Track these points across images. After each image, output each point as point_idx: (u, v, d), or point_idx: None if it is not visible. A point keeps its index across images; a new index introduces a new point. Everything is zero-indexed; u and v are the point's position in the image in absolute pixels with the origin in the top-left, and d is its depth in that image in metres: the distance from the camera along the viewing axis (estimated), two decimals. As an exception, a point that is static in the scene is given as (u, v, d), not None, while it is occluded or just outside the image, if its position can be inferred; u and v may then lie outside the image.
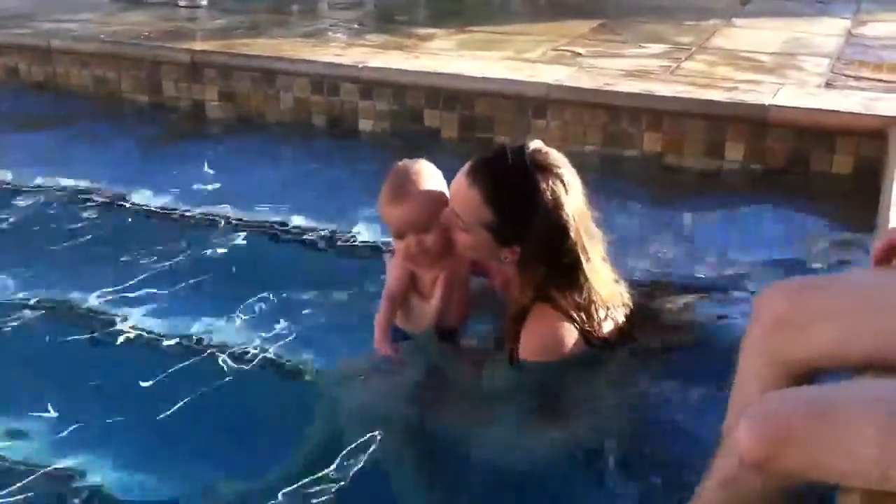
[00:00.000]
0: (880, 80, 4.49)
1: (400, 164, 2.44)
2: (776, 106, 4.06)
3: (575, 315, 2.24)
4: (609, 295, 2.32)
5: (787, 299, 1.80)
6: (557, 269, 2.23)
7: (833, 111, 4.01)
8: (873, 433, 1.44)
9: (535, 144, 2.25)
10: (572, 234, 2.21)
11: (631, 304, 2.40)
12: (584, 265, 2.24)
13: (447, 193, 2.36)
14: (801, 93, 4.28)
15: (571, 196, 2.21)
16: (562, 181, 2.19)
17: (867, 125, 3.89)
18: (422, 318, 2.49)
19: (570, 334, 2.25)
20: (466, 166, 2.27)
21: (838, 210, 3.70)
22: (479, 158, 2.27)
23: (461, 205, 2.26)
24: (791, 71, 4.70)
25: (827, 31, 5.60)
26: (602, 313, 2.28)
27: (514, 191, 2.20)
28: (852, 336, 1.69)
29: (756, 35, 5.57)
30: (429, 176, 2.40)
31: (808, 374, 1.74)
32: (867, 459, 1.44)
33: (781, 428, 1.51)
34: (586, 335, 2.26)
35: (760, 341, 1.80)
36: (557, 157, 2.24)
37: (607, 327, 2.30)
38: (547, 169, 2.20)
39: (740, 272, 3.07)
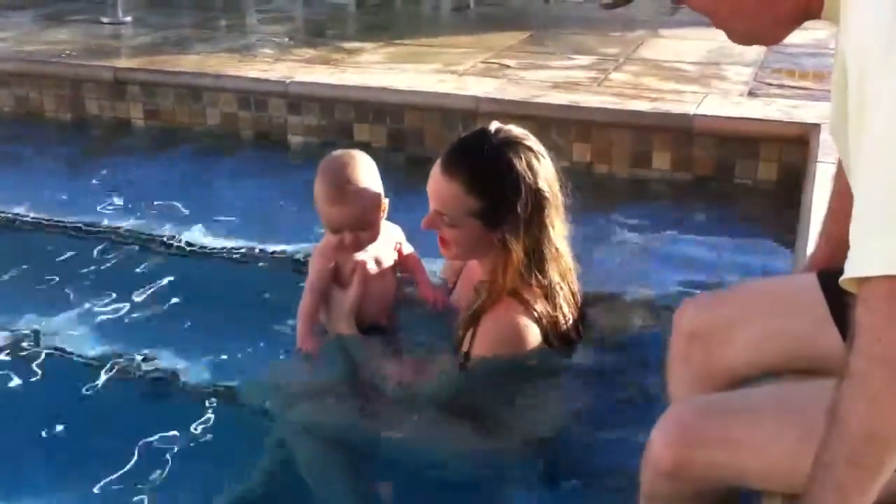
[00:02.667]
0: (802, 88, 4.58)
1: (335, 157, 2.46)
2: (700, 115, 4.12)
3: (540, 308, 2.25)
4: (568, 273, 2.34)
5: (700, 314, 1.82)
6: (531, 243, 2.24)
7: (756, 119, 4.08)
8: (789, 435, 1.44)
9: (495, 125, 2.29)
10: (549, 202, 2.24)
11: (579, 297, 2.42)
12: (553, 237, 2.27)
13: (380, 185, 2.43)
14: (724, 102, 4.35)
15: (544, 164, 2.25)
16: (531, 150, 2.24)
17: (789, 132, 3.96)
18: (340, 309, 2.49)
19: (532, 329, 2.25)
20: (438, 164, 2.29)
21: (763, 216, 3.77)
22: (448, 153, 2.29)
23: (445, 202, 2.26)
24: (715, 80, 4.77)
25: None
26: (564, 307, 2.30)
27: (491, 171, 2.22)
28: (769, 342, 1.71)
29: (681, 45, 5.66)
30: (366, 171, 2.43)
31: (735, 385, 1.76)
32: (784, 464, 1.44)
33: (691, 432, 1.51)
34: (546, 332, 2.26)
35: (681, 356, 1.82)
36: (521, 131, 2.30)
37: (564, 320, 2.31)
38: (515, 142, 2.24)
39: (667, 282, 3.10)
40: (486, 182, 2.22)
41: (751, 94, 4.50)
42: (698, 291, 2.94)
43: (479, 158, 2.24)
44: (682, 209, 3.87)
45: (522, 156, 2.22)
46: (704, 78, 4.82)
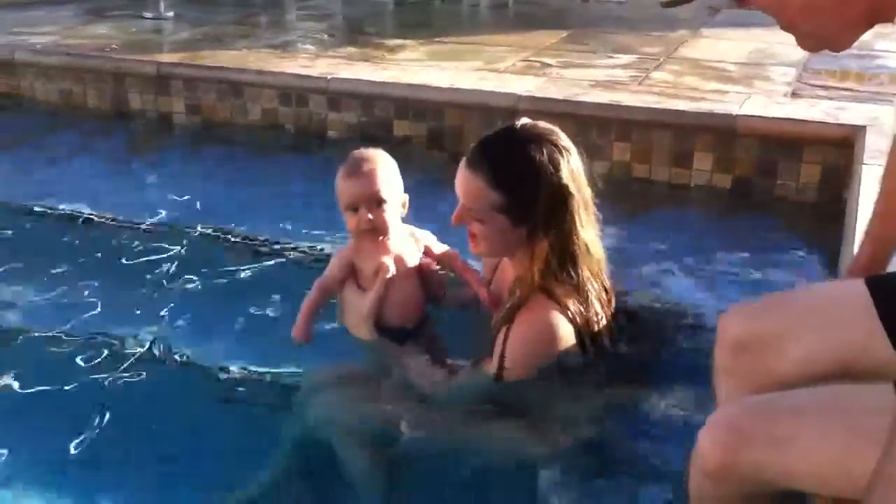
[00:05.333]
0: (846, 89, 4.53)
1: (356, 150, 2.54)
2: (744, 116, 4.08)
3: (573, 307, 2.22)
4: (599, 270, 2.32)
5: (746, 323, 1.79)
6: (558, 238, 2.22)
7: (800, 121, 4.03)
8: (837, 435, 1.43)
9: (523, 120, 2.29)
10: (573, 197, 2.21)
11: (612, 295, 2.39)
12: (580, 233, 2.24)
13: (399, 178, 2.49)
14: (768, 102, 4.30)
15: (567, 159, 2.22)
16: (556, 146, 2.22)
17: (833, 134, 3.91)
18: (357, 312, 2.49)
19: (565, 328, 2.22)
20: (464, 159, 2.29)
21: (806, 218, 3.73)
22: (474, 148, 2.29)
23: (470, 196, 2.26)
24: (758, 81, 4.72)
25: (793, 41, 5.61)
26: (596, 304, 2.27)
27: (513, 165, 2.22)
28: (817, 353, 1.67)
29: (723, 45, 5.61)
30: (383, 158, 2.49)
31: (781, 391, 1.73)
32: (831, 465, 1.43)
33: (738, 432, 1.50)
34: (579, 330, 2.23)
35: (728, 368, 1.78)
36: (548, 126, 2.28)
37: (597, 318, 2.28)
38: (539, 137, 2.23)
39: (707, 285, 3.08)
40: (507, 176, 2.21)
41: (794, 94, 4.45)
42: (741, 297, 2.92)
43: (501, 153, 2.24)
44: (723, 210, 3.84)
45: (545, 149, 2.20)
46: (747, 78, 4.77)
